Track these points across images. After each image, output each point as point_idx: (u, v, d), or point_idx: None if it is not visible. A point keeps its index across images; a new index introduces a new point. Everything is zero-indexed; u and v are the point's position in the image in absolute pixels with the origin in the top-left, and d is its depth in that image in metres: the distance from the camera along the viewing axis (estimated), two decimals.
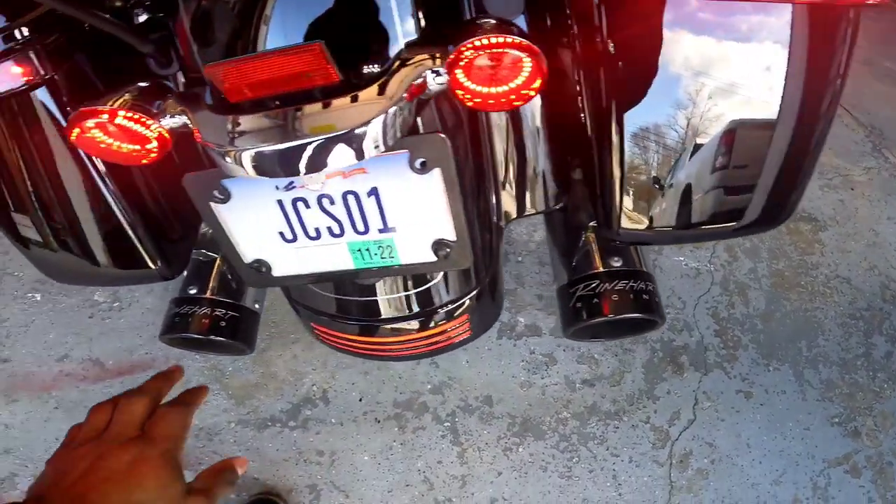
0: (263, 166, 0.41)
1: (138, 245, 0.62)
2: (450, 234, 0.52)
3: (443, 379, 1.13)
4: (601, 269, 0.68)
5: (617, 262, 0.67)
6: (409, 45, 0.44)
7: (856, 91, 2.08)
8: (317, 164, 0.40)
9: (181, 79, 0.57)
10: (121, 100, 0.46)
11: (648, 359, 1.19)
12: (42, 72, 0.50)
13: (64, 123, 0.53)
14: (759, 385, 1.20)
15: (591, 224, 0.71)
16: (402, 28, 0.44)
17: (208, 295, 0.78)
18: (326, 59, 0.38)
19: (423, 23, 0.45)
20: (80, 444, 0.37)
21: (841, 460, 1.16)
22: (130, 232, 0.61)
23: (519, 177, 0.63)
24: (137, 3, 0.57)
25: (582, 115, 0.56)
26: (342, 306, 0.64)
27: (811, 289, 1.34)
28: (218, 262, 0.82)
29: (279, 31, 0.44)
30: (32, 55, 0.50)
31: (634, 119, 0.49)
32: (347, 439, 1.06)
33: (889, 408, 1.22)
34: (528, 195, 0.65)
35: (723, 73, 0.46)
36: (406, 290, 0.62)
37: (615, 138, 0.50)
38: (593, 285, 0.67)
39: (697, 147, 0.50)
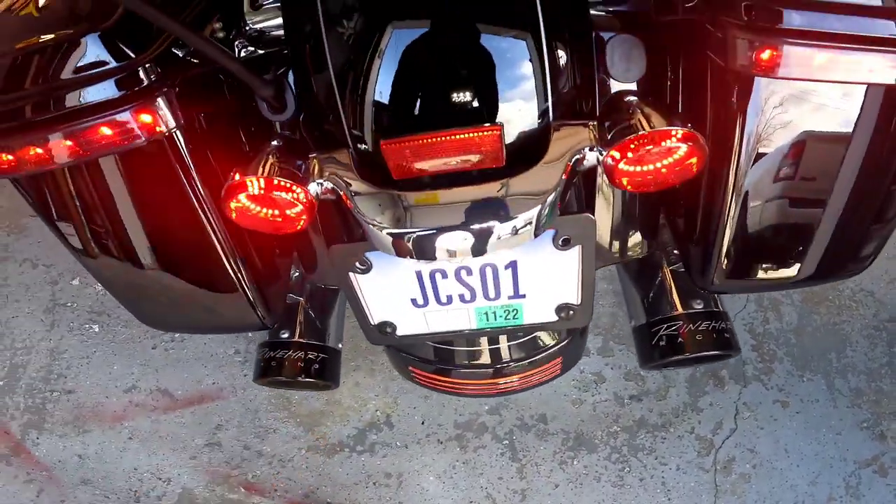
0: (427, 249, 0.42)
1: (245, 296, 0.64)
2: (575, 299, 0.56)
3: (499, 400, 1.18)
4: (682, 311, 0.73)
5: (698, 305, 0.73)
6: (560, 120, 0.45)
7: None
8: (478, 248, 0.42)
9: (279, 117, 0.56)
10: (267, 164, 0.46)
11: (691, 374, 1.25)
12: (170, 122, 0.47)
13: (181, 176, 0.51)
14: (794, 395, 1.27)
15: (671, 268, 0.75)
16: (553, 104, 0.45)
17: (297, 338, 0.82)
18: (502, 143, 0.40)
19: (567, 90, 0.47)
20: None
21: (870, 461, 1.22)
22: (238, 284, 0.62)
23: (611, 229, 0.68)
24: (239, 34, 0.57)
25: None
26: (449, 355, 0.69)
27: (838, 303, 1.41)
28: (302, 303, 0.86)
29: (438, 109, 0.43)
30: (162, 102, 0.46)
31: (745, 181, 0.52)
32: (413, 461, 1.12)
33: None
34: (617, 245, 0.70)
35: (828, 141, 0.50)
36: (512, 340, 0.67)
37: (728, 201, 0.53)
38: (676, 326, 0.72)
39: (799, 207, 0.54)
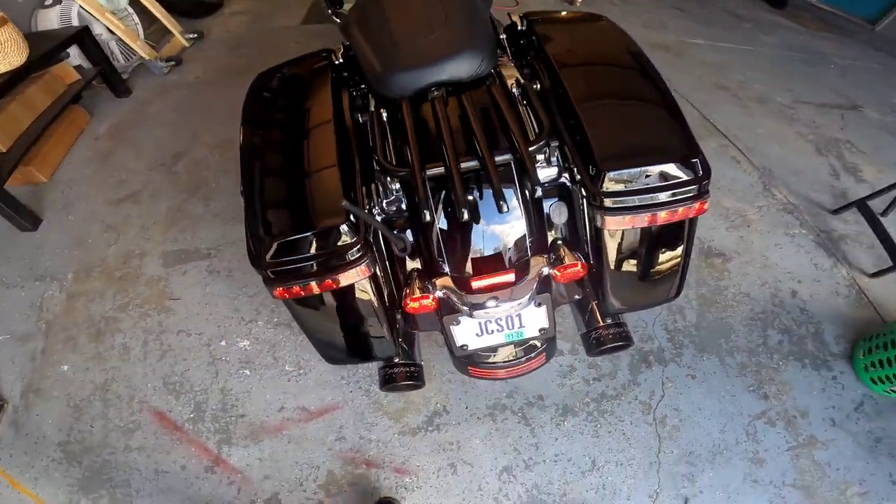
0: (486, 313, 1.09)
1: (392, 340, 1.24)
2: (546, 324, 1.21)
3: (511, 388, 1.80)
4: (602, 324, 1.35)
5: (609, 320, 1.35)
6: (537, 252, 1.12)
7: (752, 132, 2.72)
8: (506, 311, 1.09)
9: (403, 254, 1.20)
10: (416, 286, 1.11)
11: (630, 361, 1.87)
12: (368, 272, 1.02)
13: (371, 289, 1.11)
14: (698, 370, 1.82)
15: (594, 301, 1.38)
16: (537, 247, 1.13)
17: (401, 360, 1.38)
18: (516, 278, 1.08)
19: (536, 239, 1.14)
20: None
21: (760, 415, 1.66)
22: (388, 334, 1.22)
23: (563, 288, 1.34)
24: (376, 207, 1.17)
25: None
26: (490, 357, 1.32)
27: (724, 303, 2.01)
28: (400, 340, 1.39)
29: (493, 264, 1.09)
30: (368, 261, 1.00)
31: (613, 262, 1.17)
32: (465, 432, 1.71)
33: (785, 378, 1.77)
34: (566, 294, 1.36)
35: (644, 240, 1.16)
36: (521, 346, 1.30)
37: (607, 270, 1.19)
38: (598, 332, 1.34)
39: (647, 266, 1.20)
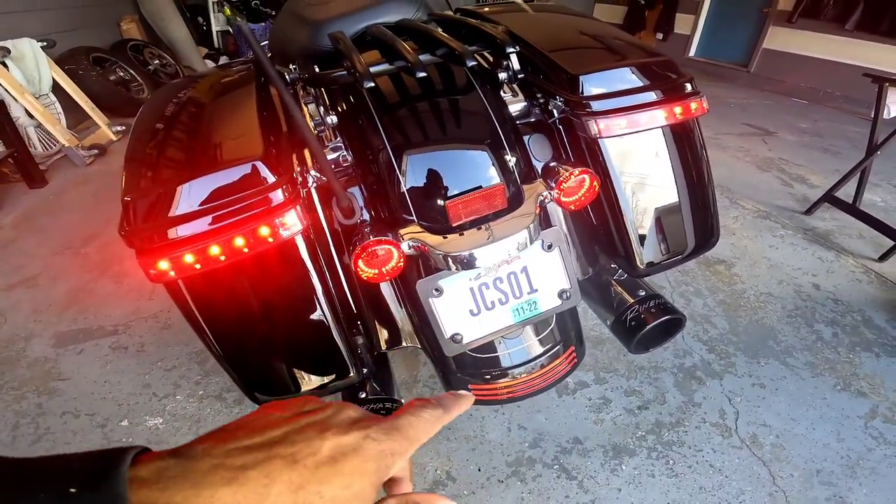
0: (477, 260, 0.69)
1: (346, 359, 0.79)
2: (567, 284, 0.82)
3: (533, 436, 1.31)
4: (633, 300, 0.98)
5: (641, 293, 1.00)
6: (527, 181, 0.79)
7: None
8: (502, 253, 0.71)
9: (349, 221, 0.78)
10: (371, 236, 0.69)
11: (674, 380, 1.47)
12: (300, 225, 0.67)
13: (308, 263, 0.70)
14: (763, 377, 1.48)
15: (613, 278, 1.04)
16: (524, 171, 0.79)
17: (369, 395, 0.92)
18: (505, 193, 0.71)
19: (523, 167, 0.80)
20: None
21: (872, 414, 1.36)
22: (342, 347, 0.77)
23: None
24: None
25: (599, 209, 0.92)
26: (496, 363, 0.87)
27: (749, 306, 1.77)
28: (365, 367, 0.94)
29: (463, 180, 0.73)
30: (300, 208, 0.65)
31: (632, 203, 0.88)
32: (485, 503, 1.15)
33: (868, 370, 1.50)
34: (578, 270, 0.99)
35: (650, 159, 0.89)
36: (538, 335, 0.88)
37: (629, 223, 0.89)
38: (635, 311, 0.96)
39: (673, 197, 0.91)
